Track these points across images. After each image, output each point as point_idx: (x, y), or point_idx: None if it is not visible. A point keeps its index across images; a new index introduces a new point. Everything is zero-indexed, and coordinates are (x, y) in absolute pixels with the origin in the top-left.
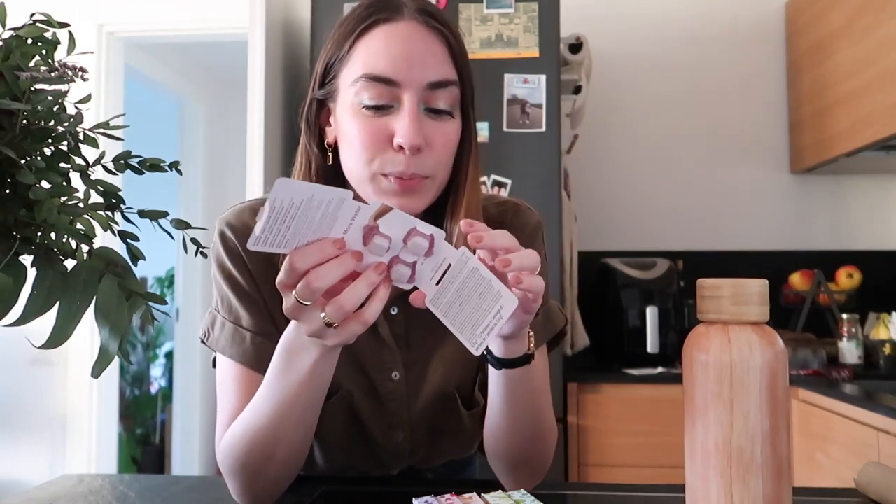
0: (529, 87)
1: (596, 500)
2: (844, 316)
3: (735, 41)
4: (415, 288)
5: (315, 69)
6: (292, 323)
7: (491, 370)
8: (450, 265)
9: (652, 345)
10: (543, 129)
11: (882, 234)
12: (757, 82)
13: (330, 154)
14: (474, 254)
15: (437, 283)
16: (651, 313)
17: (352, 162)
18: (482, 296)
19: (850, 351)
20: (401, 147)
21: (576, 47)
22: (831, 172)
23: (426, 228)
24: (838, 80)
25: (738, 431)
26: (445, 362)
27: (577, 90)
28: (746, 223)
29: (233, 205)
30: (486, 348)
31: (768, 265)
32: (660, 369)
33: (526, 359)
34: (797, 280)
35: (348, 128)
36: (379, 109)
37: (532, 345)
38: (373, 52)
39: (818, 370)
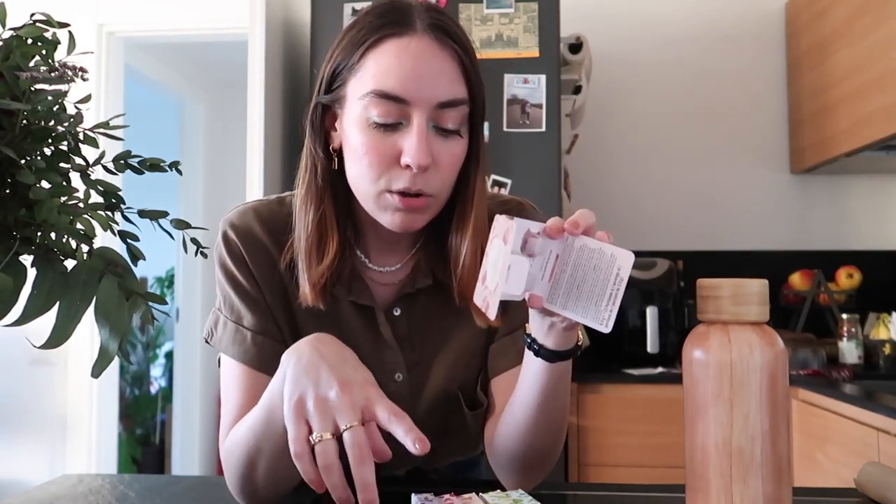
0: (529, 87)
1: (596, 500)
2: (844, 316)
3: (735, 41)
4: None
5: (321, 72)
6: (289, 385)
7: (530, 366)
8: (557, 256)
9: (652, 345)
10: (543, 129)
11: (882, 234)
12: (757, 82)
13: (335, 158)
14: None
15: (549, 281)
16: (651, 313)
17: (357, 176)
18: (597, 268)
19: (850, 351)
20: (408, 166)
21: (576, 47)
22: (831, 172)
23: (536, 227)
24: (838, 80)
25: (738, 431)
26: (448, 362)
27: (577, 90)
28: (746, 223)
29: (237, 205)
30: (538, 343)
31: (768, 265)
32: (660, 369)
33: (577, 349)
34: (797, 280)
35: (355, 141)
36: (387, 127)
37: (581, 334)
38: (383, 67)
39: (818, 370)
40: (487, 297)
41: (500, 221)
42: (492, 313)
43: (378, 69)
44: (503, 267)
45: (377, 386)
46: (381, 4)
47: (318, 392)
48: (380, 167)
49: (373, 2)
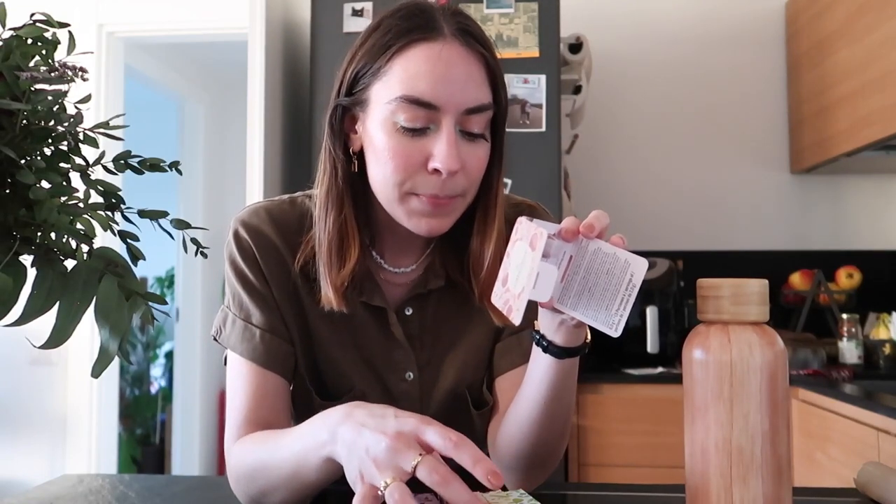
0: (529, 87)
1: (596, 500)
2: (844, 316)
3: (735, 41)
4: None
5: (342, 74)
6: (345, 426)
7: (538, 363)
8: (570, 257)
9: (652, 345)
10: (543, 129)
11: (882, 234)
12: (757, 82)
13: (355, 161)
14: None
15: (561, 281)
16: (651, 313)
17: (381, 179)
18: (610, 272)
19: (850, 351)
20: (436, 170)
21: (576, 47)
22: (831, 172)
23: (552, 228)
24: (838, 80)
25: (738, 431)
26: (458, 363)
27: (577, 90)
28: (746, 223)
29: (248, 204)
30: (546, 339)
31: (768, 265)
32: (660, 369)
33: (585, 346)
34: (797, 280)
35: (381, 145)
36: (415, 132)
37: (588, 332)
38: (412, 72)
39: (818, 370)
40: (510, 300)
41: (525, 225)
42: (516, 318)
43: (407, 74)
44: (530, 273)
45: (418, 415)
46: (404, 6)
47: (370, 455)
48: (406, 171)
49: (380, 4)
